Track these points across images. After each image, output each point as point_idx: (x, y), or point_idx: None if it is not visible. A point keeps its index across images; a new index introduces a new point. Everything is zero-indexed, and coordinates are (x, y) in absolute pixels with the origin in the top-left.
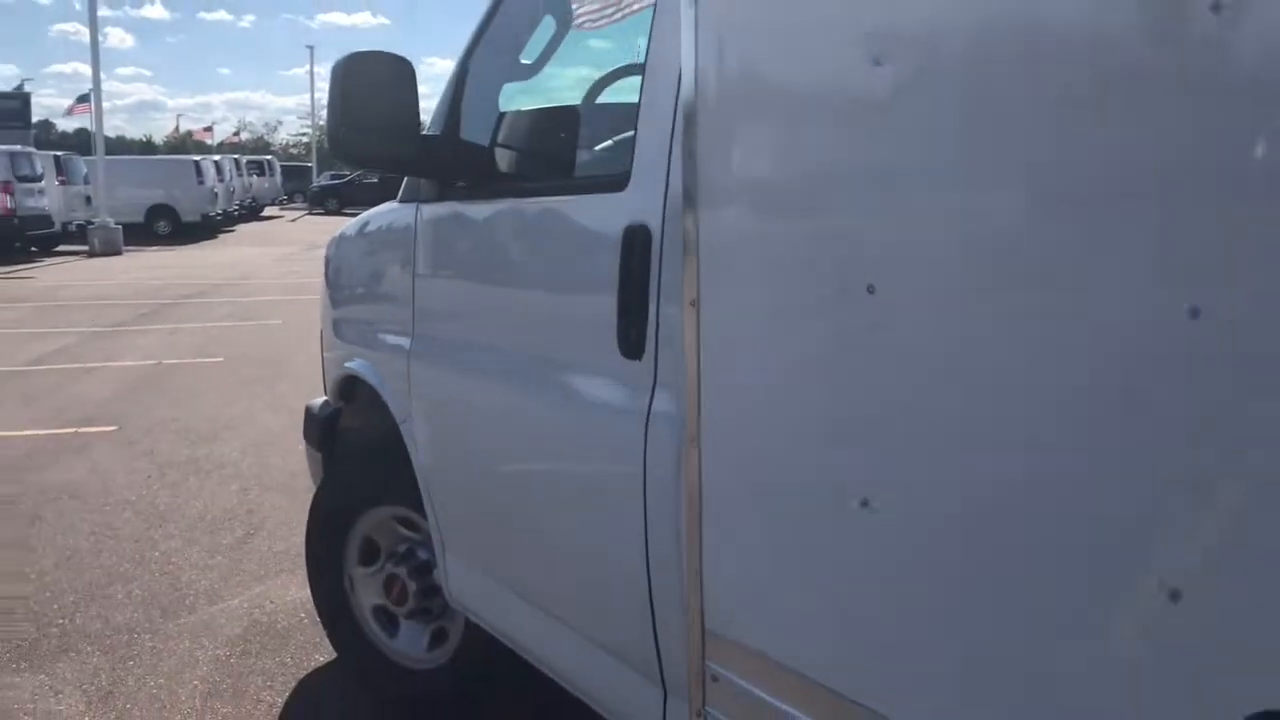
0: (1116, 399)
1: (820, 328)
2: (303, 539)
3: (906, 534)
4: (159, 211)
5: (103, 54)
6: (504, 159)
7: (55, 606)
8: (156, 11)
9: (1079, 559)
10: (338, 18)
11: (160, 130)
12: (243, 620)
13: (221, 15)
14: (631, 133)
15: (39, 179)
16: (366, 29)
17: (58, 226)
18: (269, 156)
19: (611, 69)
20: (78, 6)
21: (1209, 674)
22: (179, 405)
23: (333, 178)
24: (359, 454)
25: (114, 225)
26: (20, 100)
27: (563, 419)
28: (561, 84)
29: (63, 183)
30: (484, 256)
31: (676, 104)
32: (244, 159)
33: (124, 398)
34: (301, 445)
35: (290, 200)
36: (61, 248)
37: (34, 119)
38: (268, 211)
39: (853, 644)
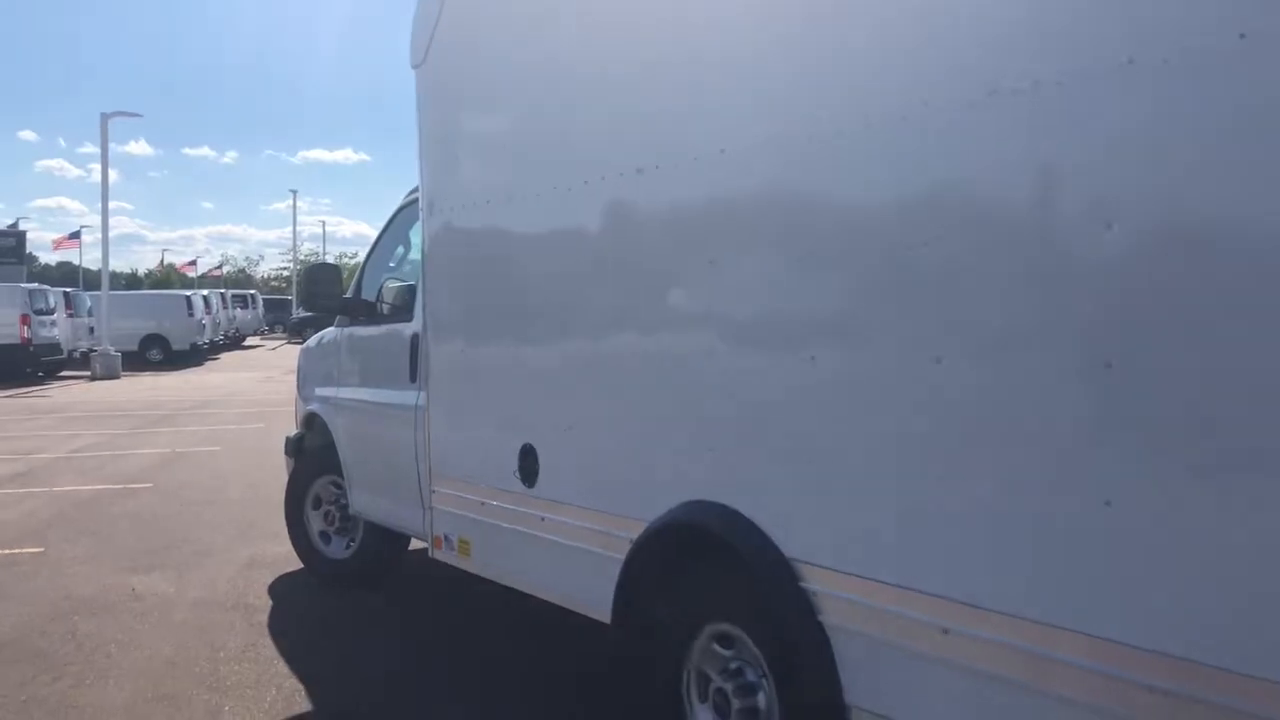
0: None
1: (448, 372)
2: (282, 528)
3: (491, 434)
4: (152, 340)
5: (87, 189)
6: (380, 307)
7: (142, 555)
8: (140, 148)
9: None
10: (319, 154)
11: (142, 262)
12: (249, 557)
13: (205, 151)
14: (417, 296)
15: (51, 312)
16: (347, 164)
17: (65, 354)
18: (252, 291)
19: None
20: (62, 143)
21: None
22: (193, 473)
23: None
24: (313, 452)
25: (114, 352)
26: (15, 238)
27: (389, 410)
28: (405, 274)
29: (70, 315)
30: (367, 347)
31: (421, 281)
32: (229, 293)
33: (152, 470)
34: (274, 490)
35: (271, 330)
36: (65, 373)
37: None
38: (250, 341)
39: (476, 469)
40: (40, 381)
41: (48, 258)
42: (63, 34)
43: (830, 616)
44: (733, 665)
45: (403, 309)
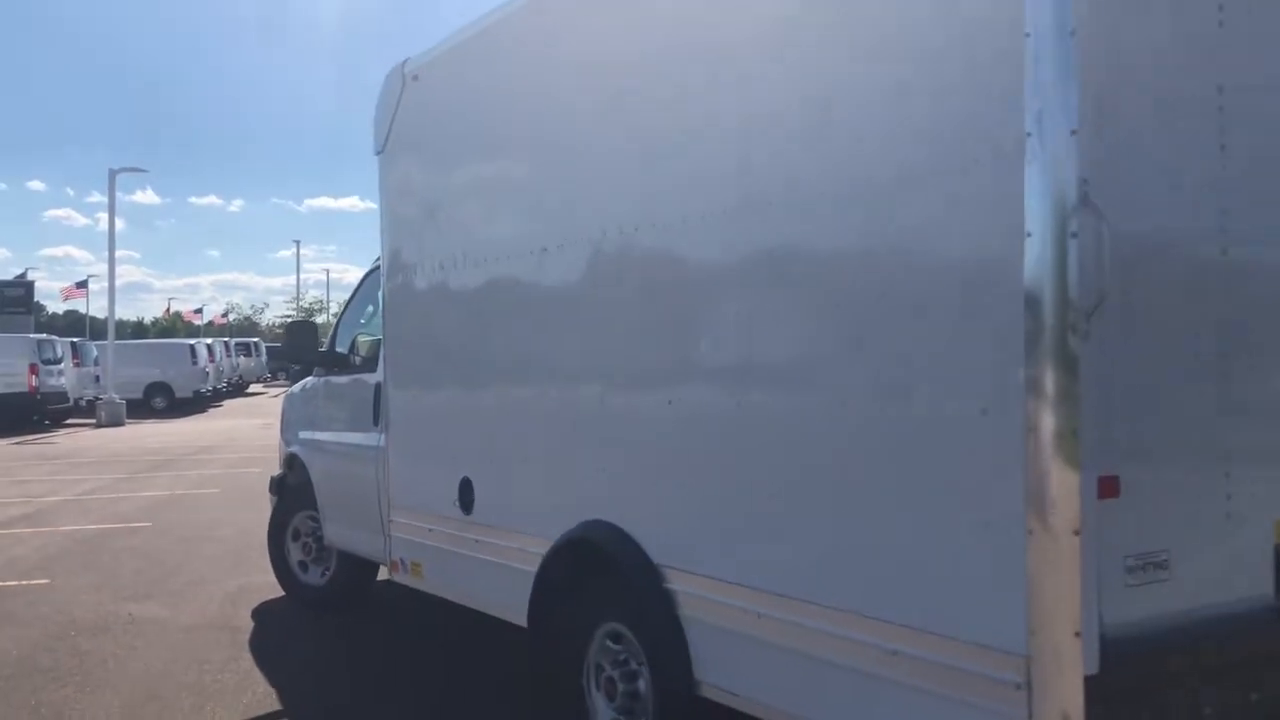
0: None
1: (404, 416)
2: (267, 563)
3: (437, 469)
4: (156, 389)
5: (94, 237)
6: (351, 359)
7: (139, 586)
8: (147, 197)
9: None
10: (325, 202)
11: (148, 311)
12: (237, 587)
13: (211, 200)
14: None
15: (59, 361)
16: (353, 212)
17: (71, 402)
18: (255, 339)
19: None
20: (70, 193)
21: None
22: (189, 513)
23: None
24: (293, 489)
25: (119, 400)
26: (24, 288)
27: (356, 450)
28: (374, 330)
29: (77, 364)
30: (339, 395)
31: (382, 340)
32: (232, 341)
33: (151, 511)
34: (264, 529)
35: (274, 378)
36: (71, 420)
37: None
38: (253, 388)
39: (426, 499)
40: (47, 429)
41: (54, 306)
42: (71, 84)
43: (684, 609)
44: (621, 657)
45: (370, 360)
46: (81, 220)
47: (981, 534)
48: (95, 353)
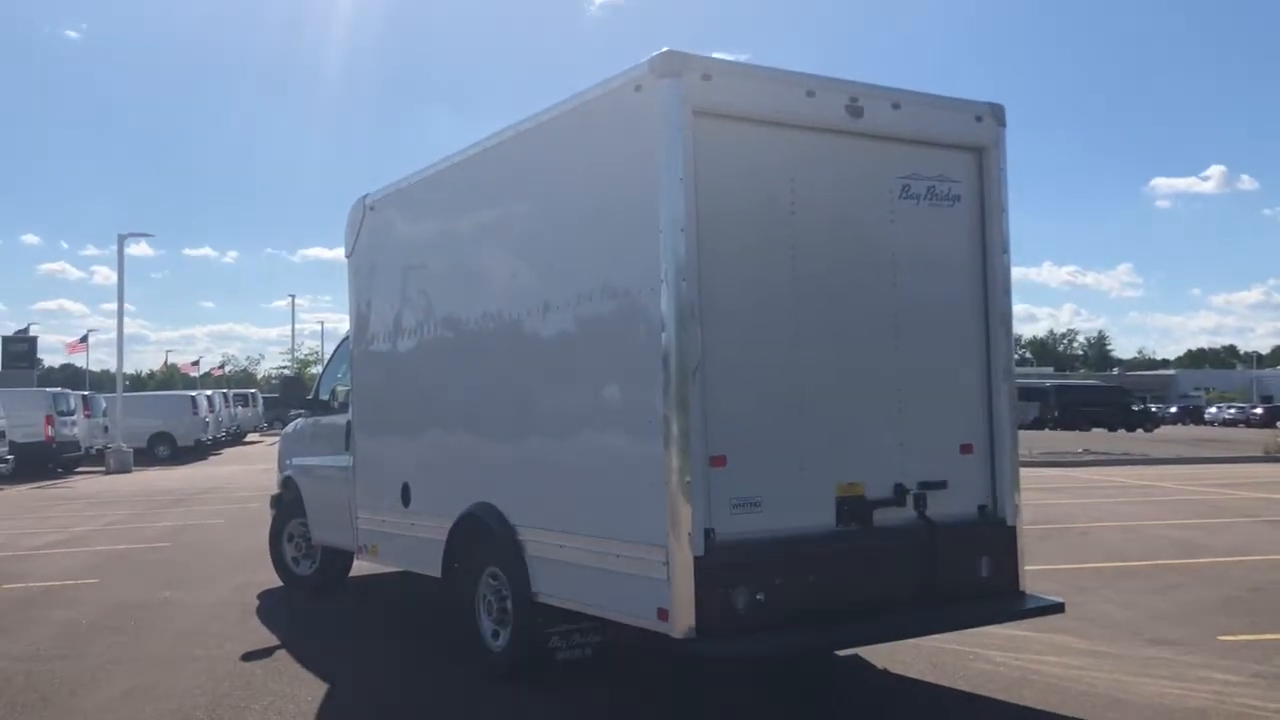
0: None
1: (365, 444)
2: (267, 566)
3: (388, 479)
4: (160, 438)
5: (88, 290)
6: (331, 404)
7: (168, 581)
8: (141, 250)
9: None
10: (319, 252)
11: (144, 363)
12: (244, 581)
13: (206, 251)
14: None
15: (72, 413)
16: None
17: (82, 450)
18: (253, 390)
19: None
20: (65, 246)
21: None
22: (200, 536)
23: None
24: (288, 503)
25: (127, 449)
26: (28, 343)
27: (334, 470)
28: (347, 383)
29: (87, 415)
30: (321, 431)
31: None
32: (231, 392)
33: (167, 535)
34: (263, 545)
35: (270, 427)
36: (81, 468)
37: None
38: (251, 437)
39: (380, 500)
40: (60, 476)
41: (50, 360)
42: (65, 139)
43: (528, 550)
44: (496, 587)
45: (344, 405)
46: (76, 274)
47: (649, 489)
48: (104, 404)
